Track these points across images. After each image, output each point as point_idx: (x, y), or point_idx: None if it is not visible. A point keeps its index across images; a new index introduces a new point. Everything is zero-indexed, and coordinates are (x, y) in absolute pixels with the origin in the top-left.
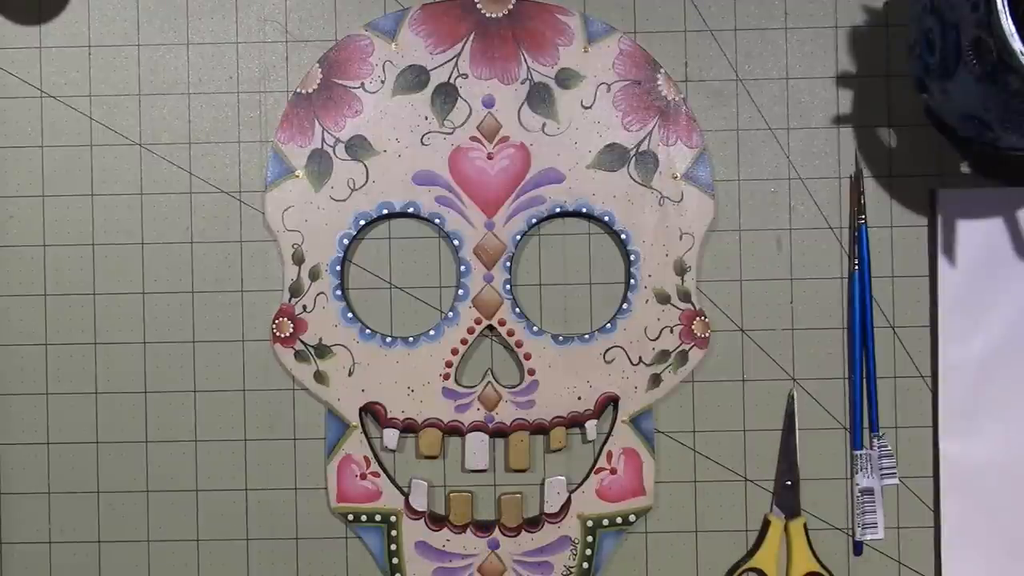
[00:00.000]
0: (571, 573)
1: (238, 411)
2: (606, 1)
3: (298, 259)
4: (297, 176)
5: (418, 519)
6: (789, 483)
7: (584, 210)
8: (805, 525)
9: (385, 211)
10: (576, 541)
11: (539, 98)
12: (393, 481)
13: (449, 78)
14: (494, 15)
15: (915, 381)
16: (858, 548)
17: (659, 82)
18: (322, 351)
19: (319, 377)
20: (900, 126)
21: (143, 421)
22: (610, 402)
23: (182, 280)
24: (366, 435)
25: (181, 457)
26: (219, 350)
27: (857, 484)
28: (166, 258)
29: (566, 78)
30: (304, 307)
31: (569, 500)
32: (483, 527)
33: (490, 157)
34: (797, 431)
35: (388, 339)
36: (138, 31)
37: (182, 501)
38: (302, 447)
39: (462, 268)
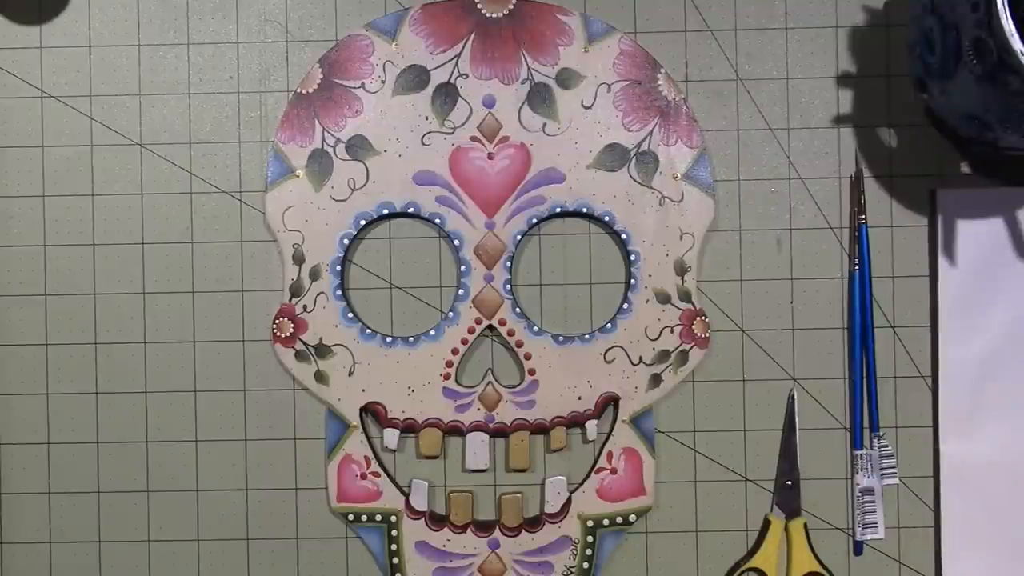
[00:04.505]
0: (571, 573)
1: (238, 411)
2: (606, 1)
3: (298, 259)
4: (297, 176)
5: (418, 519)
6: (789, 483)
7: (584, 210)
8: (805, 525)
9: (385, 211)
10: (576, 541)
11: (539, 98)
12: (393, 481)
13: (449, 78)
14: (494, 15)
15: (915, 381)
16: (858, 548)
17: (659, 82)
18: (322, 351)
19: (319, 377)
20: (900, 126)
21: (143, 421)
22: (610, 402)
23: (182, 280)
24: (366, 435)
25: (181, 457)
26: (219, 350)
27: (857, 484)
28: (166, 258)
29: (566, 78)
30: (304, 307)
31: (569, 500)
32: (483, 527)
33: (490, 157)
34: (797, 431)
35: (388, 339)
36: (138, 31)
37: (182, 501)
38: (302, 447)
39: (462, 268)
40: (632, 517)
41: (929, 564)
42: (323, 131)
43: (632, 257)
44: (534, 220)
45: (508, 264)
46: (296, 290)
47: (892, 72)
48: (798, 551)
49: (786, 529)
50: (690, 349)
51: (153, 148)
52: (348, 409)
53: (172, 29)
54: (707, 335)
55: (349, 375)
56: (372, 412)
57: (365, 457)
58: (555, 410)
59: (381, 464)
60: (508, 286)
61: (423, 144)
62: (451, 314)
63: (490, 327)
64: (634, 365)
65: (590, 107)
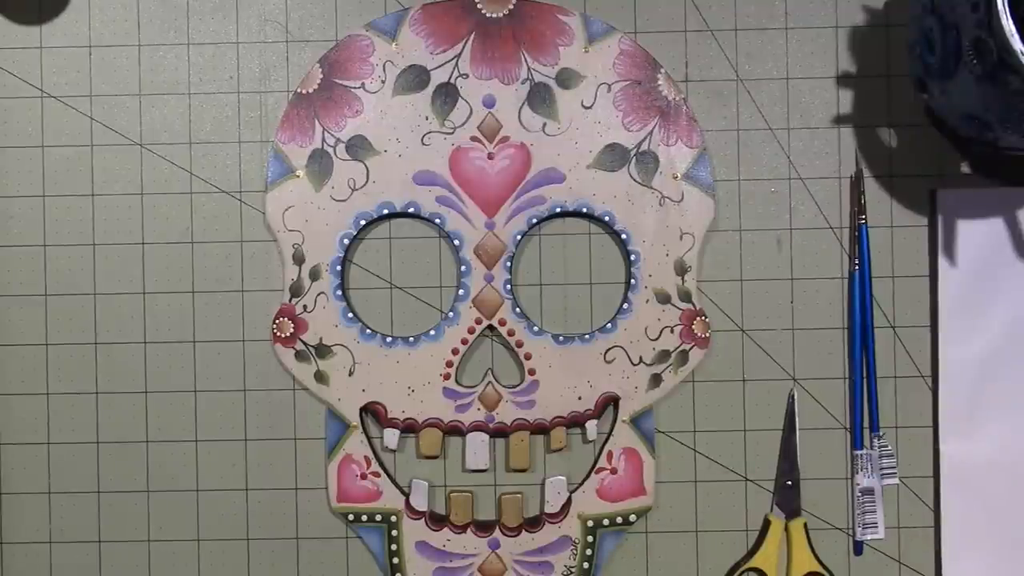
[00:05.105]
0: (571, 573)
1: (238, 411)
2: (606, 1)
3: (298, 259)
4: (297, 176)
5: (418, 519)
6: (789, 483)
7: (584, 210)
8: (805, 525)
9: (385, 211)
10: (576, 541)
11: (540, 98)
12: (394, 481)
13: (449, 78)
14: (494, 15)
15: (915, 381)
16: (858, 548)
17: (659, 82)
18: (322, 351)
19: (319, 377)
20: (900, 126)
21: (143, 421)
22: (610, 402)
23: (182, 280)
24: (366, 435)
25: (181, 457)
26: (219, 350)
27: (857, 484)
28: (166, 258)
29: (567, 78)
30: (305, 307)
31: (569, 500)
32: (483, 527)
33: (490, 157)
34: (797, 431)
35: (388, 339)
36: (138, 31)
37: (182, 501)
38: (302, 447)
39: (462, 268)
40: (632, 517)
41: (929, 564)
42: (323, 131)
43: (632, 257)
44: (534, 220)
45: (508, 264)
46: (296, 290)
47: (892, 72)
48: (798, 551)
49: (786, 529)
50: (690, 349)
51: (153, 148)
52: (348, 409)
53: (172, 29)
54: (707, 335)
55: (349, 375)
56: (372, 412)
57: (365, 457)
58: (555, 410)
59: (381, 464)
60: (508, 286)
61: (423, 144)
62: (451, 314)
63: (490, 327)
64: (634, 365)
65: (590, 107)
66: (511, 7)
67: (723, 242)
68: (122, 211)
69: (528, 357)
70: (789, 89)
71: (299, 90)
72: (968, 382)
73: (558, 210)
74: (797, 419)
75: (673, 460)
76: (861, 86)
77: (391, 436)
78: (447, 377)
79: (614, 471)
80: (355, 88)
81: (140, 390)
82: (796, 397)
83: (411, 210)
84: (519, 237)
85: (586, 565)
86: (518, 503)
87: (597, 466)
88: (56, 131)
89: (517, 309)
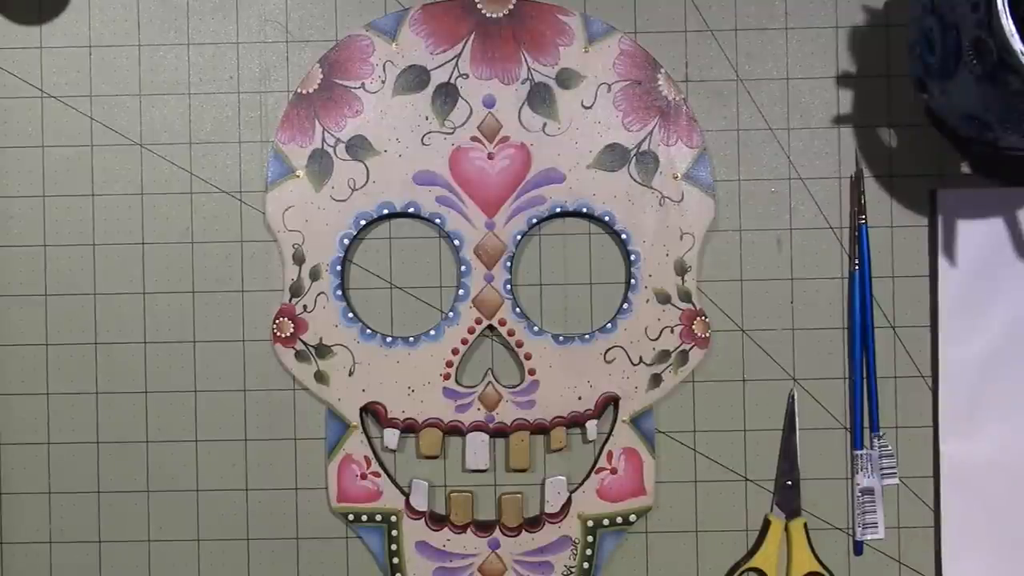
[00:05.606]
0: (571, 573)
1: (238, 411)
2: (606, 1)
3: (299, 259)
4: (298, 176)
5: (418, 519)
6: (789, 483)
7: (584, 210)
8: (805, 525)
9: (386, 211)
10: (576, 541)
11: (540, 98)
12: (394, 481)
13: (449, 78)
14: (494, 15)
15: (915, 381)
16: (858, 548)
17: (659, 82)
18: (322, 351)
19: (319, 377)
20: (900, 126)
21: (143, 421)
22: (610, 402)
23: (182, 280)
24: (366, 435)
25: (181, 457)
26: (219, 350)
27: (857, 484)
28: (166, 258)
29: (566, 78)
30: (305, 307)
31: (569, 500)
32: (483, 527)
33: (490, 157)
34: (797, 431)
35: (388, 339)
36: (138, 31)
37: (182, 501)
38: (302, 447)
39: (462, 268)
40: (632, 517)
41: (929, 564)
42: (323, 131)
43: (632, 257)
44: (534, 220)
45: (508, 264)
46: (296, 290)
47: (892, 72)
48: (798, 551)
49: (786, 529)
50: (690, 349)
51: (153, 148)
52: (348, 409)
53: (172, 29)
54: (707, 335)
55: (349, 375)
56: (372, 412)
57: (365, 457)
58: (555, 410)
59: (381, 464)
60: (508, 286)
61: (423, 144)
62: (451, 314)
63: (490, 327)
64: (634, 365)
65: (590, 107)
66: (511, 7)
67: (723, 242)
68: (122, 211)
69: (528, 357)
70: (789, 89)
71: (299, 90)
72: (968, 382)
73: (558, 210)
74: (797, 419)
75: (673, 460)
76: (861, 86)
77: (391, 436)
78: (447, 377)
79: (614, 471)
80: (355, 88)
81: (140, 390)
82: (796, 397)
83: (411, 210)
84: (519, 237)
85: (586, 565)
86: (518, 503)
87: (597, 466)
88: (56, 131)
89: (517, 309)
